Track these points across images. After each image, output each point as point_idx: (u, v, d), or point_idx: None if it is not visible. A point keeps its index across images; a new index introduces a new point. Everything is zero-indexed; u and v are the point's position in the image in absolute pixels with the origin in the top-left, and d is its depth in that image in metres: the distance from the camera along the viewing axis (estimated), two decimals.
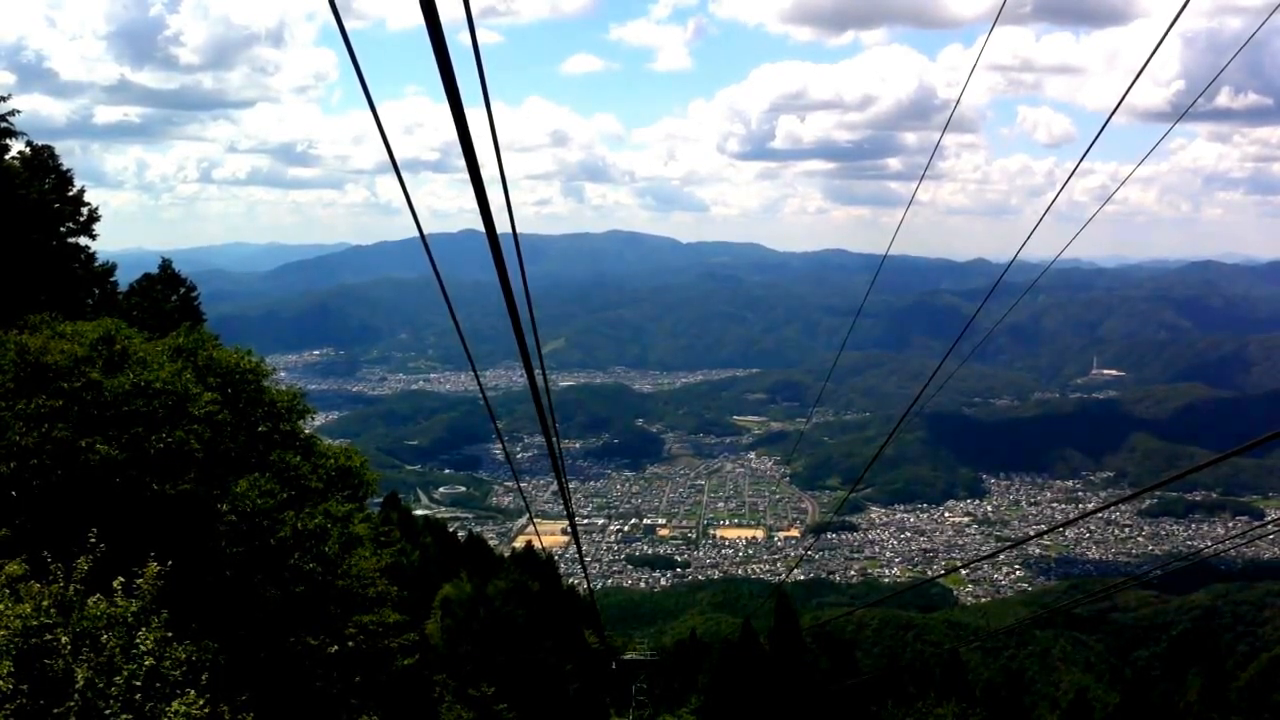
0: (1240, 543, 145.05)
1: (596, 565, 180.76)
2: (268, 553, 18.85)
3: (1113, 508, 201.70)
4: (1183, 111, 10.23)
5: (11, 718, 9.48)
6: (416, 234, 5.62)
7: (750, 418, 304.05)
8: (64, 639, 10.14)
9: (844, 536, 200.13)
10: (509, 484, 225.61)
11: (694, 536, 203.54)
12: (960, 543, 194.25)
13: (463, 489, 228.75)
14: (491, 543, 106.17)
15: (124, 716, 9.86)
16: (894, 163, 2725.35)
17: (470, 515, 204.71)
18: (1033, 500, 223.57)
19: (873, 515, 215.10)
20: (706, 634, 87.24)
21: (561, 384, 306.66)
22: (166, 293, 33.02)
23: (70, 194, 29.90)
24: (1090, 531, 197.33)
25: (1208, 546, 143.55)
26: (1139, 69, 7.77)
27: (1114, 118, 8.91)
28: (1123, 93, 8.14)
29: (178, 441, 17.29)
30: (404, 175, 5.23)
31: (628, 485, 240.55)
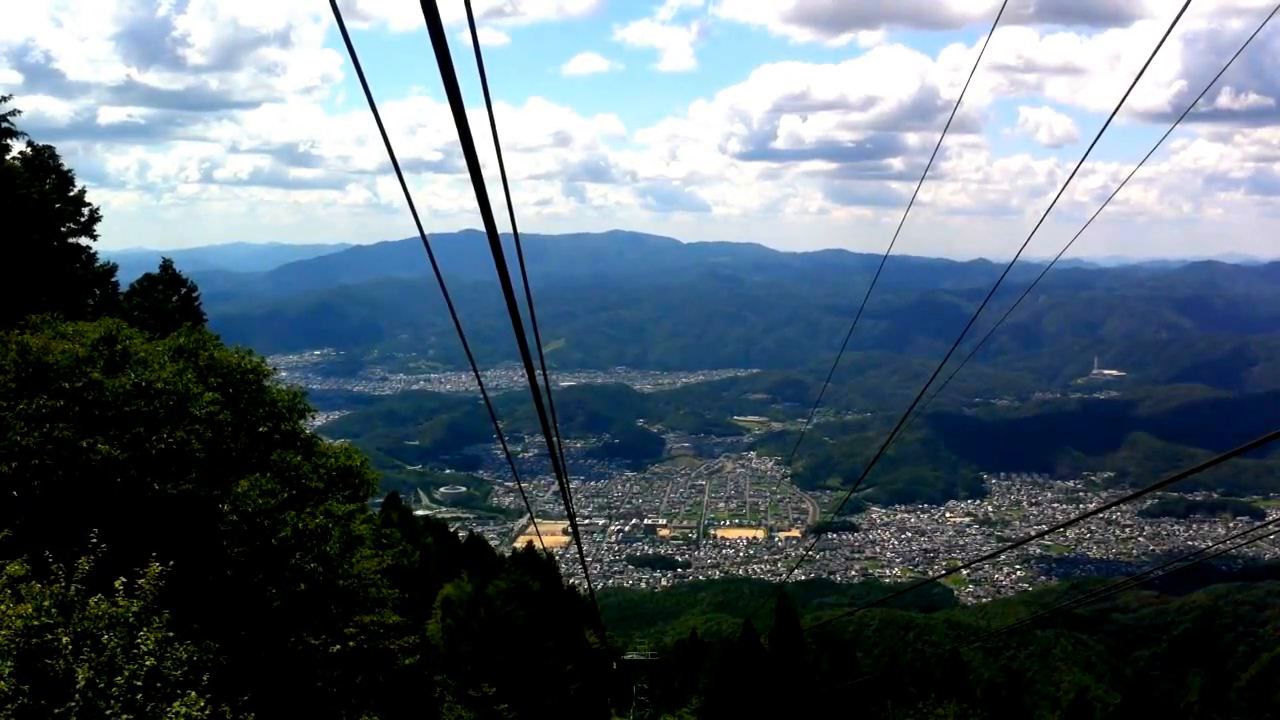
0: (1240, 543, 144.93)
1: (597, 565, 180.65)
2: (269, 553, 18.85)
3: (1113, 508, 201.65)
4: (1184, 112, 10.25)
5: (13, 718, 9.48)
6: (418, 234, 5.62)
7: (751, 418, 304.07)
8: (65, 639, 10.14)
9: (845, 537, 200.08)
10: (510, 484, 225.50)
11: (695, 537, 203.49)
12: (961, 543, 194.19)
13: (463, 489, 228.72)
14: (492, 543, 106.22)
15: (125, 717, 9.87)
16: (895, 163, 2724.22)
17: (471, 515, 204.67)
18: (1033, 500, 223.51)
19: (873, 515, 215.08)
20: (707, 634, 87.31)
21: (562, 384, 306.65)
22: (167, 293, 32.99)
23: (71, 194, 29.91)
24: (1091, 531, 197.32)
25: (1208, 547, 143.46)
26: (1140, 69, 7.78)
27: (1115, 118, 8.91)
28: (1124, 93, 8.15)
29: (179, 442, 17.29)
30: (406, 175, 5.23)
31: (628, 485, 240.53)
